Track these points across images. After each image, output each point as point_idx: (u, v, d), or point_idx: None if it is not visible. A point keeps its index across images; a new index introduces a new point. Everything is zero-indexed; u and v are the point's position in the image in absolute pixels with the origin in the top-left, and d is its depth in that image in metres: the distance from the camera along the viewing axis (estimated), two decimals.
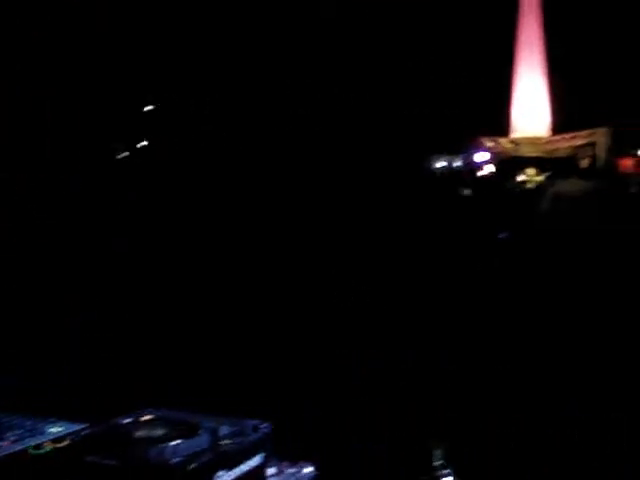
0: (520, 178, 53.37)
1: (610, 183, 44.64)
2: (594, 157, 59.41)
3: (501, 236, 22.56)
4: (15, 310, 15.34)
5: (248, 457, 3.67)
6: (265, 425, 4.04)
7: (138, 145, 55.40)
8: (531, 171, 54.33)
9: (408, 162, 54.77)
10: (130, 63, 59.07)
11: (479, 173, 57.98)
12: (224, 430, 3.66)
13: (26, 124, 50.25)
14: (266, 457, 3.94)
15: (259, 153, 50.54)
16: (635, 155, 59.34)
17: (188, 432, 3.57)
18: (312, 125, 59.91)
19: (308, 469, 4.44)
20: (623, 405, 9.06)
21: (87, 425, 3.90)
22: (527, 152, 61.32)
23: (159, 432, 3.62)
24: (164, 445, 3.38)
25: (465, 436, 8.51)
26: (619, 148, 58.88)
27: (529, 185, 50.58)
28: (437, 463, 4.92)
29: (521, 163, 57.16)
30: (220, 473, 3.42)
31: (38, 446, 3.66)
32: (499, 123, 66.59)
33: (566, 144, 61.81)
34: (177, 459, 3.28)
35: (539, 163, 56.58)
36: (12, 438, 3.78)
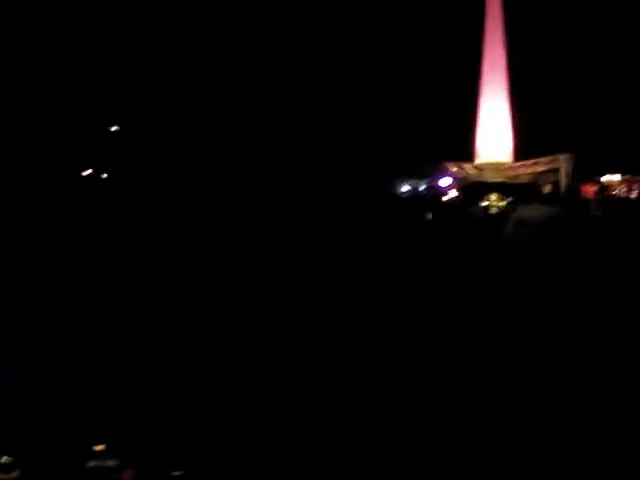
0: (483, 204, 53.58)
1: (572, 209, 44.97)
2: (556, 183, 60.05)
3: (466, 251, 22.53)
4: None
5: None
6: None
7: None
8: (494, 197, 54.59)
9: (373, 186, 54.78)
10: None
11: (443, 198, 58.16)
12: None
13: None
14: None
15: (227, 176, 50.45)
16: (597, 181, 60.11)
17: None
18: (272, 153, 59.93)
19: None
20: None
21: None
22: (490, 178, 61.80)
23: None
24: None
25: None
26: (581, 174, 59.63)
27: (492, 210, 50.78)
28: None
29: (484, 188, 57.47)
30: None
31: None
32: (464, 148, 67.07)
33: (529, 170, 62.49)
34: None
35: (502, 189, 56.92)
36: None
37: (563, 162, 60.47)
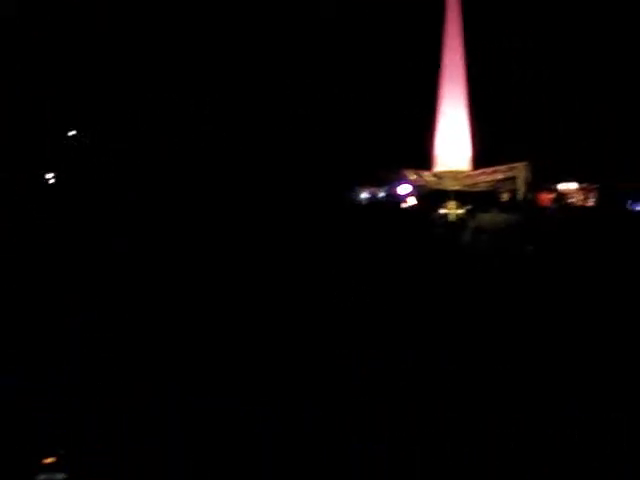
0: (442, 211, 53.92)
1: (530, 216, 45.40)
2: (514, 191, 60.77)
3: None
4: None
5: None
6: None
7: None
8: (452, 204, 54.98)
9: (333, 193, 54.85)
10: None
11: (402, 205, 58.43)
12: None
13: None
14: None
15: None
16: (553, 189, 60.89)
17: None
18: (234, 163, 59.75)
19: None
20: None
21: None
22: (449, 185, 62.20)
23: None
24: None
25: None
26: (538, 182, 60.34)
27: (450, 218, 51.16)
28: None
29: (443, 196, 57.84)
30: None
31: None
32: (423, 157, 67.39)
33: (487, 178, 63.01)
34: None
35: (461, 196, 57.36)
36: None
37: (521, 170, 61.14)
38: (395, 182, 61.88)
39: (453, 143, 67.72)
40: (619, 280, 18.53)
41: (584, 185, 60.41)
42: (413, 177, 63.56)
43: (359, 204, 60.70)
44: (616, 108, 64.47)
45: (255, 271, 20.78)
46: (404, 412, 9.32)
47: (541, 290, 17.54)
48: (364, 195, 63.07)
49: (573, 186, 61.02)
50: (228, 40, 68.06)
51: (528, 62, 68.46)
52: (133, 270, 20.80)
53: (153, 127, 61.25)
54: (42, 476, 8.57)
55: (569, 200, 59.79)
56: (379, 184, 63.13)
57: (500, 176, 62.13)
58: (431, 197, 58.22)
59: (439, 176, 65.10)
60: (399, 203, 58.43)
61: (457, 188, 61.02)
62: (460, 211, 52.73)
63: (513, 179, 61.35)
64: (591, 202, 58.98)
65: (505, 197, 60.85)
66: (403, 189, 61.06)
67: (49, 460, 8.56)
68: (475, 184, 62.96)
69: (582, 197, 59.86)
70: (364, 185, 63.20)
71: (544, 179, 60.42)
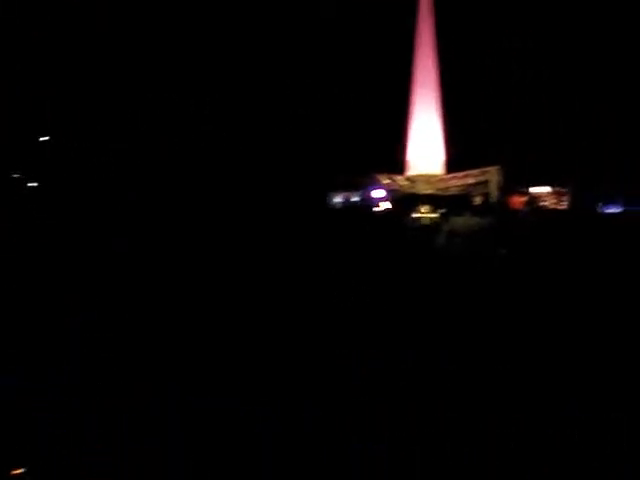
0: (415, 215, 54.10)
1: (502, 219, 45.68)
2: (487, 195, 61.16)
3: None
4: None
5: None
6: None
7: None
8: (425, 208, 55.19)
9: (308, 197, 54.91)
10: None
11: (376, 209, 58.55)
12: None
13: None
14: None
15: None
16: (525, 192, 61.38)
17: None
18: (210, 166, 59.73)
19: None
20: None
21: None
22: (422, 189, 62.51)
23: None
24: None
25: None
26: (510, 186, 60.80)
27: (424, 222, 51.30)
28: None
29: (416, 200, 58.06)
30: None
31: None
32: (396, 161, 67.64)
33: (460, 182, 63.39)
34: None
35: (434, 200, 57.60)
36: None
37: (493, 174, 61.58)
38: (368, 187, 62.04)
39: (426, 147, 68.05)
40: (592, 279, 18.74)
41: (556, 188, 60.98)
42: (386, 181, 63.75)
43: (333, 209, 60.76)
44: (587, 111, 65.17)
45: (232, 272, 20.81)
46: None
47: (516, 291, 17.66)
48: (337, 200, 63.16)
49: (545, 189, 61.58)
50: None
51: (499, 67, 69.06)
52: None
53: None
54: None
55: (541, 203, 60.31)
56: (353, 189, 63.28)
57: (472, 180, 62.54)
58: (404, 201, 58.39)
59: (412, 180, 65.37)
60: (373, 207, 58.55)
61: (430, 192, 61.34)
62: (433, 215, 52.94)
63: (485, 183, 61.76)
64: (563, 205, 59.56)
65: (478, 201, 61.23)
66: (376, 193, 61.23)
67: (17, 471, 8.41)
68: (448, 188, 63.32)
69: (554, 200, 60.42)
70: (337, 190, 63.32)
71: (516, 183, 60.92)
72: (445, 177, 65.79)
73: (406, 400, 9.83)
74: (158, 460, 8.22)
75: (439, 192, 62.05)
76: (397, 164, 67.83)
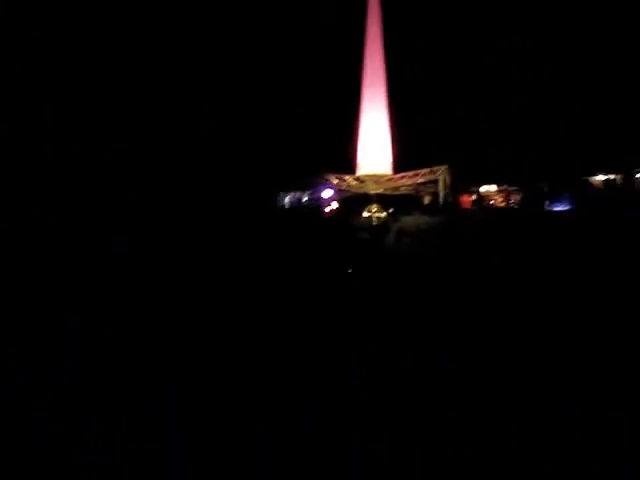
0: (365, 214, 54.05)
1: (451, 218, 45.83)
2: (436, 194, 61.42)
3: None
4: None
5: None
6: None
7: None
8: (375, 208, 55.20)
9: (257, 198, 54.76)
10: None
11: (325, 209, 58.37)
12: None
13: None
14: None
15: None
16: (474, 191, 61.93)
17: None
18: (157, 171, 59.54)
19: None
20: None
21: None
22: (371, 189, 62.51)
23: None
24: None
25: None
26: (459, 185, 61.26)
27: (373, 221, 51.23)
28: None
29: (366, 200, 58.10)
30: None
31: None
32: (345, 161, 67.70)
33: (409, 181, 63.56)
34: None
35: (383, 200, 57.67)
36: None
37: (441, 173, 61.84)
38: (318, 186, 61.86)
39: (375, 147, 68.15)
40: (542, 274, 18.94)
41: (504, 187, 61.56)
42: (335, 181, 63.71)
43: (281, 208, 60.49)
44: (534, 110, 65.92)
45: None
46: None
47: (468, 288, 17.71)
48: (287, 199, 62.91)
49: (493, 188, 62.15)
50: None
51: (447, 66, 69.53)
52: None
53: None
54: None
55: (489, 202, 60.84)
56: (302, 188, 63.12)
57: (421, 179, 62.75)
58: (354, 201, 58.39)
59: (361, 180, 65.41)
60: (322, 207, 58.35)
61: (379, 192, 61.42)
62: (383, 214, 52.95)
63: (435, 182, 61.99)
64: (511, 203, 60.13)
65: (427, 200, 61.51)
66: (326, 193, 61.06)
67: None
68: (397, 187, 63.50)
69: (502, 199, 60.97)
70: (286, 189, 63.09)
71: (465, 182, 61.35)
72: (395, 176, 65.92)
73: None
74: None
75: (388, 192, 62.14)
76: (347, 164, 67.87)
